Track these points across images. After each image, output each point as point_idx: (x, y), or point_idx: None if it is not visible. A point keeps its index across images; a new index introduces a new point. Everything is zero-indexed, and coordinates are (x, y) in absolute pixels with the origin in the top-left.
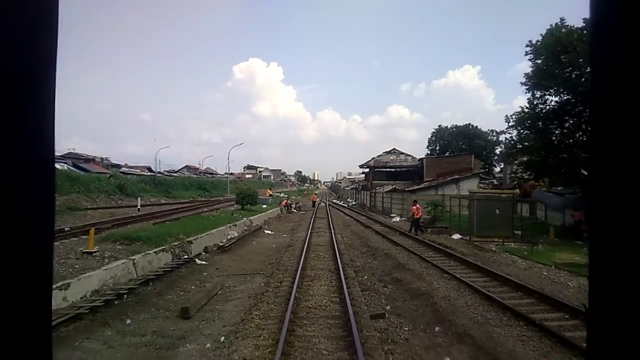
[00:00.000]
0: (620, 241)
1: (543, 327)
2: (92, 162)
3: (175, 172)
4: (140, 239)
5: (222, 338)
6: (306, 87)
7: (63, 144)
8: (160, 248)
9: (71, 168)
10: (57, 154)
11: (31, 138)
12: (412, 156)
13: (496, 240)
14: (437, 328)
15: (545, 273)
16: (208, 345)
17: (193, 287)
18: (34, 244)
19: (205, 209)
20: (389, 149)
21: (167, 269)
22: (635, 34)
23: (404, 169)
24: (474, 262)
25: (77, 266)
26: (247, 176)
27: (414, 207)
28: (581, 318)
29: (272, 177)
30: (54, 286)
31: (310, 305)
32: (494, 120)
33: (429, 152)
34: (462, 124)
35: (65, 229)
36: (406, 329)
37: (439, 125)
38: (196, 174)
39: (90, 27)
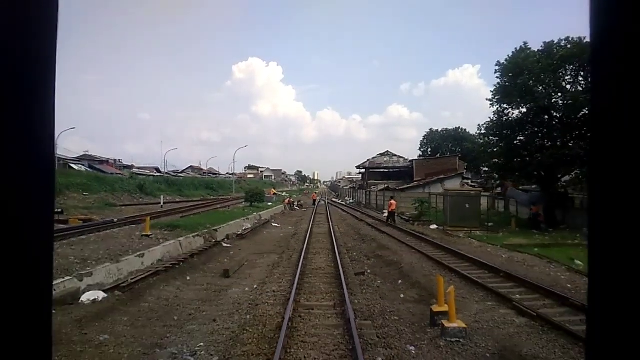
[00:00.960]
0: (619, 240)
1: (467, 277)
2: (105, 163)
3: (180, 172)
4: (179, 226)
5: (255, 286)
6: (306, 87)
7: (63, 143)
8: (196, 233)
9: (87, 169)
10: (73, 155)
11: (31, 138)
12: (403, 158)
13: (466, 229)
14: (399, 281)
15: (490, 250)
16: (247, 289)
17: (225, 260)
18: (34, 244)
19: (218, 206)
20: (383, 151)
21: (203, 249)
22: (634, 34)
23: (397, 170)
24: (439, 244)
25: (142, 244)
26: (249, 176)
27: (390, 202)
28: (490, 272)
29: (273, 177)
30: (135, 254)
31: (313, 268)
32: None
33: (421, 153)
34: (452, 128)
35: (115, 220)
36: (379, 281)
37: (430, 129)
38: (200, 174)
39: (90, 27)
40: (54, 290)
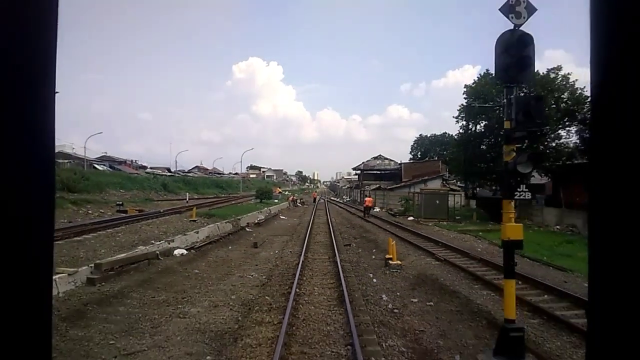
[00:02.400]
0: (619, 241)
1: (416, 245)
2: (124, 163)
3: (187, 172)
4: (214, 215)
5: (277, 251)
6: (306, 87)
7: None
8: (226, 220)
9: (109, 169)
10: (93, 156)
11: (31, 138)
12: (394, 161)
13: (435, 220)
14: (374, 250)
15: (444, 233)
16: (271, 253)
17: (251, 238)
18: (34, 244)
19: (232, 202)
20: (376, 155)
21: (233, 231)
22: (634, 35)
23: (388, 172)
24: (409, 229)
25: (193, 226)
26: (252, 176)
27: (367, 198)
28: (433, 243)
29: (274, 177)
30: (192, 231)
31: (315, 242)
32: None
33: (411, 157)
34: (439, 133)
35: (161, 210)
36: (360, 250)
37: (420, 134)
38: (206, 174)
39: (90, 27)
40: (158, 248)
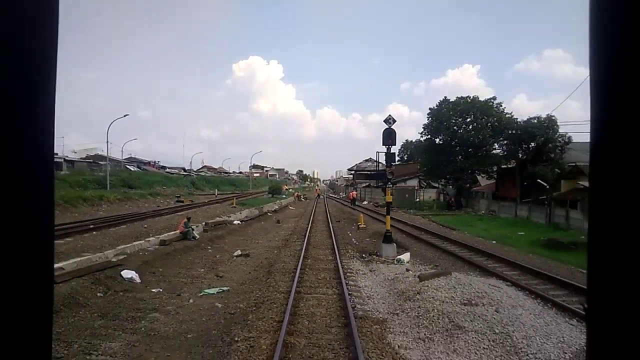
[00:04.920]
0: (619, 241)
1: (382, 220)
2: (148, 164)
3: (197, 171)
4: (245, 204)
5: (292, 225)
6: (306, 85)
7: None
8: (254, 207)
9: (136, 169)
10: (122, 157)
11: (31, 138)
12: (382, 163)
13: (404, 208)
14: (353, 223)
15: (405, 215)
16: (289, 225)
17: (274, 218)
18: (34, 244)
19: (249, 196)
20: (367, 158)
21: (260, 214)
22: (633, 33)
23: (376, 172)
24: (381, 213)
25: (235, 210)
26: (256, 175)
27: (350, 193)
28: (395, 220)
29: (277, 176)
30: (236, 213)
31: (316, 220)
32: None
33: (399, 159)
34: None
35: (205, 201)
36: (345, 223)
37: (406, 140)
38: (214, 174)
39: (90, 26)
40: (227, 219)
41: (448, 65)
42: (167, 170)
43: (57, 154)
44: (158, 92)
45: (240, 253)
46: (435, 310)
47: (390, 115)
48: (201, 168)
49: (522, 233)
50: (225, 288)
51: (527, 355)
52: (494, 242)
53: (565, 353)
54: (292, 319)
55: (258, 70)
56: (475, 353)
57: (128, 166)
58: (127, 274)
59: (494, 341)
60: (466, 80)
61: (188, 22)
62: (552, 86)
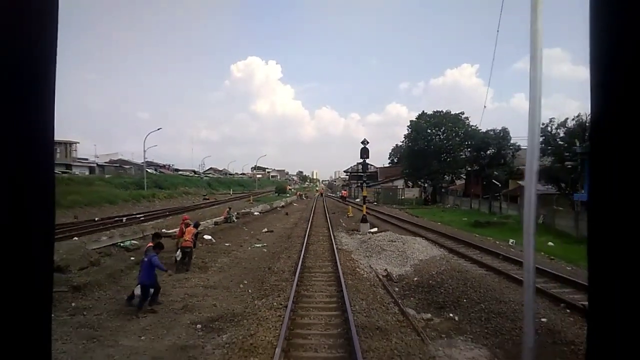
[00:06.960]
0: (618, 242)
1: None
2: (164, 167)
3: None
4: (262, 200)
5: (298, 216)
6: (304, 86)
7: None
8: (267, 204)
9: (155, 172)
10: (140, 161)
11: (31, 138)
12: (374, 166)
13: (389, 205)
14: (345, 214)
15: (387, 209)
16: (296, 216)
17: (283, 212)
18: (34, 244)
19: (258, 195)
20: (361, 161)
21: (271, 209)
22: (633, 33)
23: (368, 174)
24: (370, 207)
25: (252, 205)
26: (258, 176)
27: (342, 191)
28: (377, 213)
29: (278, 177)
30: (254, 207)
31: (316, 212)
32: (492, 118)
33: (389, 162)
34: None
35: (225, 199)
36: (339, 213)
37: (396, 144)
38: (220, 175)
39: (90, 26)
40: (249, 210)
41: (447, 65)
42: (180, 172)
43: (86, 159)
44: (157, 94)
45: (267, 230)
46: (374, 245)
47: (364, 138)
48: (208, 170)
49: (466, 219)
50: (265, 244)
51: (412, 259)
52: (439, 223)
53: (427, 257)
54: (305, 252)
55: (256, 70)
56: (388, 258)
57: (148, 169)
58: (207, 236)
59: (398, 254)
60: (465, 80)
61: (188, 22)
62: (551, 85)
